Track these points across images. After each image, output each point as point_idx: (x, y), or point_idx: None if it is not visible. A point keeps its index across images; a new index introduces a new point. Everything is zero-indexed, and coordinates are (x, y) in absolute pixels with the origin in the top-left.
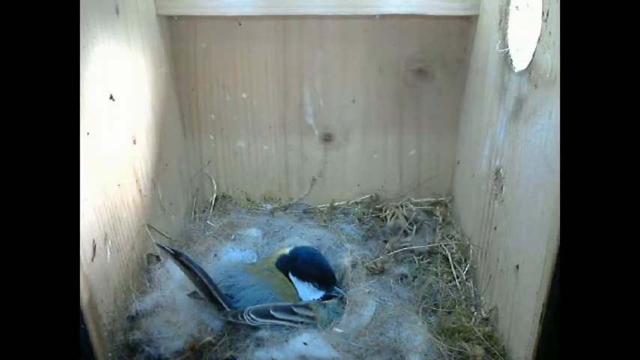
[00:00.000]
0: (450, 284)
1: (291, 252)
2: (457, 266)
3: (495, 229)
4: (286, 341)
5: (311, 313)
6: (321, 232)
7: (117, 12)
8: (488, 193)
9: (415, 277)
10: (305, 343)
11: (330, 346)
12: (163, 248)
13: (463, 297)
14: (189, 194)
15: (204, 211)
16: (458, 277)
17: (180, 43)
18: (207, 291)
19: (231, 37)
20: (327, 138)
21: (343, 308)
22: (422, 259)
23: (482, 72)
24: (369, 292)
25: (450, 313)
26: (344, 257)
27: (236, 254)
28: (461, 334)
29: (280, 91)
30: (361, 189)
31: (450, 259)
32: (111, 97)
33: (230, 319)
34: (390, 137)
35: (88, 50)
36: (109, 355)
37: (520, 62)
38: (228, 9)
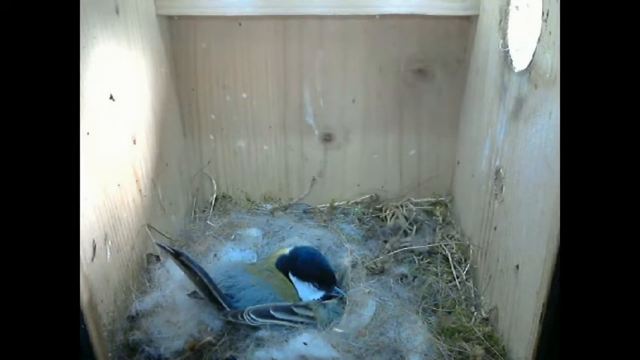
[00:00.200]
0: (450, 284)
1: (291, 252)
2: (457, 266)
3: (495, 229)
4: (286, 341)
5: (311, 313)
6: (321, 232)
7: (117, 12)
8: (488, 193)
9: (415, 277)
10: (305, 343)
11: (330, 346)
12: (163, 248)
13: (463, 297)
14: (189, 194)
15: (204, 211)
16: (458, 277)
17: (180, 43)
18: (207, 291)
19: (231, 37)
20: (327, 138)
21: (343, 308)
22: (422, 259)
23: (482, 72)
24: (369, 292)
25: (450, 313)
26: (344, 257)
27: (236, 254)
28: (461, 334)
29: (280, 91)
30: (361, 189)
31: (450, 259)
32: (111, 97)
33: (230, 319)
34: (390, 137)
35: (88, 50)
36: (109, 355)
37: (520, 62)
38: (228, 9)
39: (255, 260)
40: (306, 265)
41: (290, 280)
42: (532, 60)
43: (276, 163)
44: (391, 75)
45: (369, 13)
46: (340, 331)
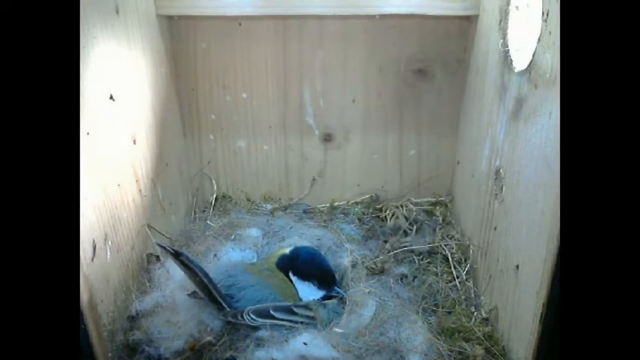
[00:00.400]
0: (450, 284)
1: (292, 252)
2: (457, 266)
3: (495, 229)
4: (286, 341)
5: (311, 313)
6: (321, 232)
7: (117, 12)
8: (488, 193)
9: (415, 277)
10: (305, 343)
11: (330, 346)
12: (163, 248)
13: (463, 297)
14: (189, 194)
15: (204, 211)
16: (458, 277)
17: (180, 43)
18: (207, 291)
19: (231, 37)
20: (327, 138)
21: (343, 308)
22: (422, 259)
23: (482, 72)
24: (369, 292)
25: (450, 313)
26: (344, 257)
27: (236, 254)
28: (461, 334)
29: (280, 91)
30: (361, 189)
31: (450, 259)
32: (111, 97)
33: (230, 319)
34: (390, 137)
35: (88, 50)
36: (109, 355)
37: (520, 62)
38: (228, 9)
39: (255, 260)
40: (306, 264)
41: (290, 280)
42: (532, 60)
43: (276, 163)
44: (391, 75)
45: (369, 13)
46: (340, 331)
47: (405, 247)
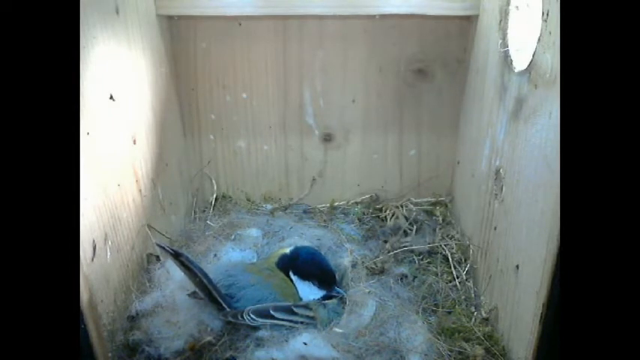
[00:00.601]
0: (450, 284)
1: (292, 251)
2: (457, 266)
3: (495, 229)
4: (286, 341)
5: (311, 313)
6: (321, 232)
7: (117, 12)
8: (488, 193)
9: (415, 277)
10: (305, 343)
11: (330, 346)
12: (163, 248)
13: (463, 297)
14: (189, 194)
15: (204, 211)
16: (458, 277)
17: (180, 43)
18: (207, 291)
19: (231, 37)
20: (327, 138)
21: (343, 308)
22: (422, 259)
23: (482, 72)
24: (369, 292)
25: (450, 313)
26: (344, 257)
27: (236, 254)
28: (461, 334)
29: (280, 91)
30: (361, 189)
31: (450, 259)
32: (111, 97)
33: (230, 319)
34: (390, 137)
35: (88, 50)
36: (109, 355)
37: (520, 62)
38: (228, 9)
39: (255, 260)
40: (306, 264)
41: (291, 280)
42: (532, 60)
43: (276, 163)
44: (391, 75)
45: (369, 13)
46: (340, 331)
47: (405, 247)
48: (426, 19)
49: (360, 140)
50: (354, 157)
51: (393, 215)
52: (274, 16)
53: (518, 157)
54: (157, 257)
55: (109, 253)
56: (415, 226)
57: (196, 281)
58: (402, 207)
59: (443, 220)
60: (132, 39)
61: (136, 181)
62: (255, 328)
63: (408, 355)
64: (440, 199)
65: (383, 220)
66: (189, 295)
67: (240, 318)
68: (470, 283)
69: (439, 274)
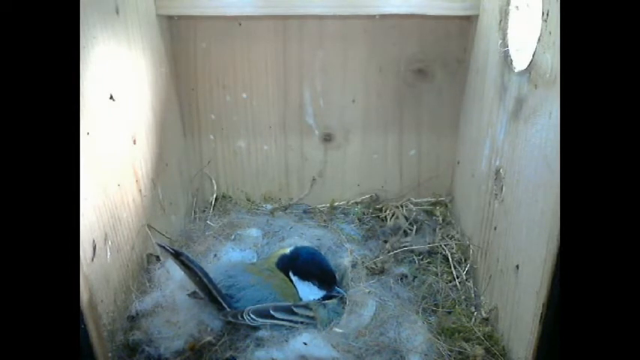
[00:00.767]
0: (450, 284)
1: (292, 251)
2: (457, 266)
3: (495, 229)
4: (286, 341)
5: (311, 313)
6: (321, 232)
7: (117, 12)
8: (488, 193)
9: (415, 277)
10: (305, 343)
11: (330, 346)
12: (164, 248)
13: (463, 297)
14: (189, 194)
15: (204, 211)
16: (458, 277)
17: (180, 43)
18: (207, 291)
19: (231, 37)
20: (327, 138)
21: (343, 308)
22: (422, 259)
23: (482, 72)
24: (369, 292)
25: (450, 313)
26: (344, 257)
27: (236, 254)
28: (461, 334)
29: (280, 91)
30: (361, 189)
31: (450, 259)
32: (111, 97)
33: (230, 319)
34: (390, 137)
35: (88, 50)
36: (109, 355)
37: (520, 62)
38: (228, 9)
39: (255, 260)
40: (307, 264)
41: (291, 280)
42: (532, 60)
43: (276, 163)
44: (391, 75)
45: (369, 13)
46: (340, 331)
47: (405, 247)
48: (426, 19)
49: (360, 140)
50: (354, 157)
51: (393, 215)
52: (274, 16)
53: (518, 157)
54: (157, 257)
55: (109, 253)
56: (415, 226)
57: (196, 280)
58: (402, 207)
59: (443, 220)
60: (132, 39)
61: (136, 181)
62: (255, 328)
63: (408, 355)
64: (440, 199)
65: (383, 220)
66: (189, 295)
67: (240, 318)
68: (470, 283)
69: (439, 274)
